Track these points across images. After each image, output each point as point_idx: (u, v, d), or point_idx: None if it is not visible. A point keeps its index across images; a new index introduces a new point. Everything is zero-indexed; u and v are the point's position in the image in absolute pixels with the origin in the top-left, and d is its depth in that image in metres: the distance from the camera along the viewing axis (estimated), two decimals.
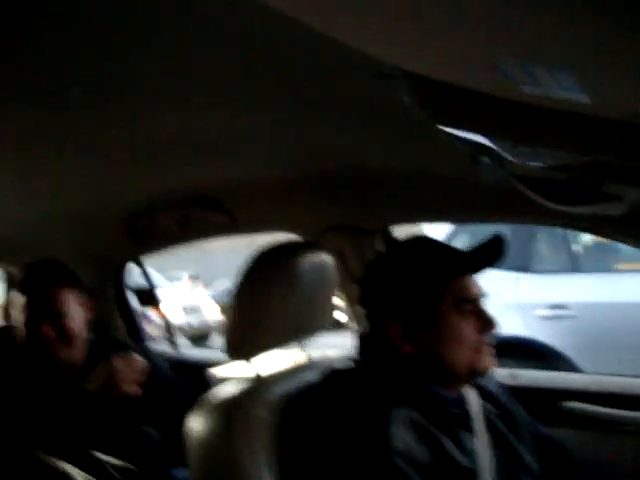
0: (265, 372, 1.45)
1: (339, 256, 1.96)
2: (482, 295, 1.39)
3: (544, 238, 4.90)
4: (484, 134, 0.71)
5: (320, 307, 1.56)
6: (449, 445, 1.27)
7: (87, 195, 2.00)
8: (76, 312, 1.93)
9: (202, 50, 0.95)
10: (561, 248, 4.85)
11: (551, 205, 1.30)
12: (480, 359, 1.34)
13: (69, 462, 1.71)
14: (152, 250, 2.53)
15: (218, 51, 0.95)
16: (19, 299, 1.91)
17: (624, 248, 4.47)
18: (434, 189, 1.74)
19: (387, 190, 1.79)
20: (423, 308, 1.34)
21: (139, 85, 1.11)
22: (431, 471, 1.22)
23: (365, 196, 1.86)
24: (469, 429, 1.35)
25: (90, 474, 1.71)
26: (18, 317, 1.91)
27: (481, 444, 1.33)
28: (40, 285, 1.91)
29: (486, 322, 1.35)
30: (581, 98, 0.50)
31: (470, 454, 1.30)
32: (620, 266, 4.79)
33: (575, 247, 4.89)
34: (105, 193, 1.98)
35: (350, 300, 2.08)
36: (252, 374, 1.44)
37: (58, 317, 1.88)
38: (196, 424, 1.35)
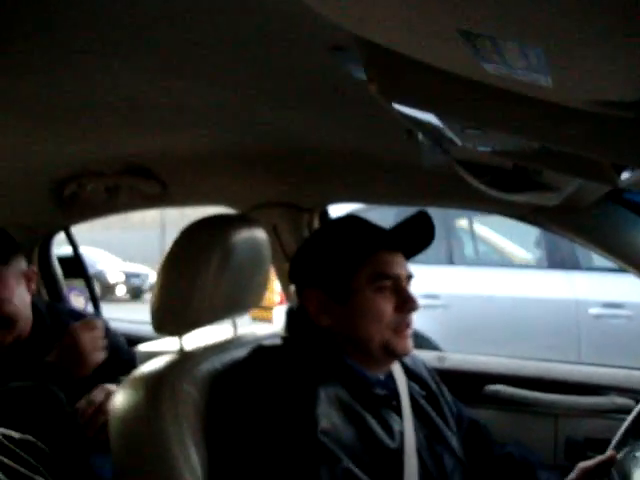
0: (191, 347, 1.42)
1: (274, 232, 1.94)
2: (407, 276, 1.38)
3: None
4: (435, 113, 0.70)
5: (254, 283, 1.53)
6: (375, 426, 1.27)
7: (12, 161, 1.89)
8: (16, 292, 1.70)
9: (144, 14, 0.90)
10: None
11: (489, 191, 1.31)
12: (397, 340, 1.34)
13: None
14: (81, 219, 2.44)
15: (162, 16, 0.90)
16: None
17: None
18: (372, 170, 1.73)
19: (325, 168, 1.77)
20: (338, 280, 1.34)
21: (69, 45, 1.04)
22: (357, 451, 1.22)
23: (303, 173, 1.84)
24: (395, 410, 1.35)
25: None
26: None
27: (407, 424, 1.34)
28: None
29: (405, 301, 1.34)
30: (545, 80, 0.49)
31: (396, 434, 1.30)
32: None
33: None
34: (31, 158, 1.88)
35: (283, 276, 2.07)
36: (177, 349, 1.40)
37: None
38: (120, 401, 1.30)
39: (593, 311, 4.12)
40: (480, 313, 4.49)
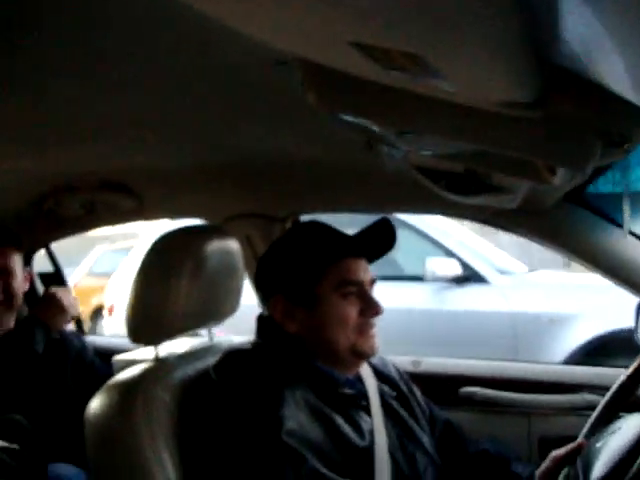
0: (165, 355, 1.45)
1: (247, 242, 1.98)
2: (371, 280, 1.42)
3: None
4: (370, 120, 0.74)
5: (227, 293, 1.56)
6: (343, 425, 1.31)
7: None
8: (20, 276, 1.97)
9: (108, 33, 0.94)
10: None
11: (447, 195, 1.35)
12: (363, 341, 1.38)
13: None
14: (60, 235, 2.46)
15: (125, 33, 0.94)
16: None
17: None
18: (338, 179, 1.78)
19: (294, 180, 1.81)
20: (303, 286, 1.38)
21: (41, 63, 1.08)
22: (326, 450, 1.25)
23: (273, 185, 1.88)
24: (364, 409, 1.39)
25: None
26: None
27: (377, 423, 1.38)
28: None
29: (369, 306, 1.38)
30: (447, 85, 0.53)
31: (365, 433, 1.34)
32: None
33: None
34: (6, 176, 1.91)
35: None
36: (152, 357, 1.43)
37: (6, 276, 1.92)
38: (95, 409, 1.33)
39: None
40: None
